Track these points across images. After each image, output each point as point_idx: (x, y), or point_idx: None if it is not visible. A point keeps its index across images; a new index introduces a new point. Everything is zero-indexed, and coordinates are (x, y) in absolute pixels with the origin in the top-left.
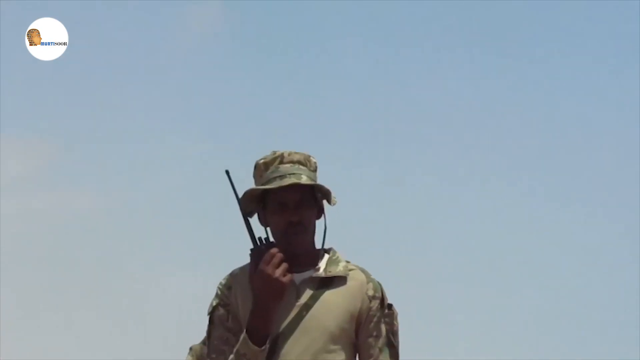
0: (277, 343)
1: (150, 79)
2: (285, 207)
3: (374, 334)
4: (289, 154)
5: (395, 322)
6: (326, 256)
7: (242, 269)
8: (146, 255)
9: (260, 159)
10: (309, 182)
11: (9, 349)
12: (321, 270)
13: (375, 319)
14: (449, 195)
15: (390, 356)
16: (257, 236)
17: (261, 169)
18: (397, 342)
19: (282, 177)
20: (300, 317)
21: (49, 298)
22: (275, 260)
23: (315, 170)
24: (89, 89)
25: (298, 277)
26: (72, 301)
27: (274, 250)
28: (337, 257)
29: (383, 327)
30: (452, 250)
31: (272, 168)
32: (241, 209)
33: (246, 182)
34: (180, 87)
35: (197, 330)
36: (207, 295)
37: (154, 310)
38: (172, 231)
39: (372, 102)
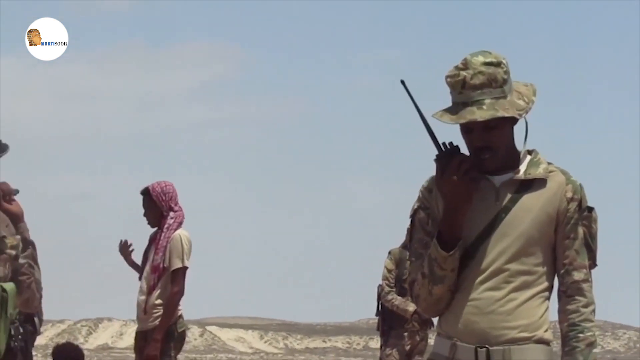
0: (475, 245)
1: None
2: (471, 131)
3: (571, 235)
4: (472, 77)
5: (593, 225)
6: (528, 158)
7: None
8: (338, 161)
9: (447, 75)
10: (486, 116)
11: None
12: (521, 172)
13: (572, 221)
14: None
15: (588, 259)
16: (441, 142)
17: (449, 87)
18: (595, 245)
19: (464, 104)
20: (499, 219)
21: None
22: (462, 166)
23: (503, 85)
24: None
25: (498, 180)
26: (278, 204)
27: (460, 157)
28: (539, 158)
29: (580, 230)
30: None
31: (455, 92)
32: (422, 116)
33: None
34: None
35: (395, 237)
36: (400, 203)
37: (351, 214)
38: (364, 138)
39: None
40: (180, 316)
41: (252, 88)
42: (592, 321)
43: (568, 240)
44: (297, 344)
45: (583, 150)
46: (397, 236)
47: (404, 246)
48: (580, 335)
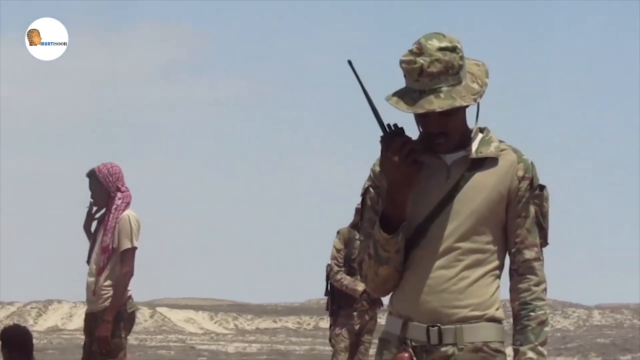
0: (426, 224)
1: None
2: (425, 116)
3: (522, 214)
4: (429, 64)
5: (545, 204)
6: (479, 136)
7: None
8: (288, 141)
9: (402, 60)
10: (444, 105)
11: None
12: (473, 151)
13: (524, 200)
14: None
15: (540, 237)
16: (385, 123)
17: (403, 72)
18: (547, 223)
19: (421, 92)
20: (450, 198)
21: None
22: (405, 149)
23: (459, 70)
24: None
25: (449, 158)
26: (235, 178)
27: (402, 138)
28: (490, 137)
29: (532, 208)
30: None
31: (410, 79)
32: (368, 97)
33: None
34: None
35: (344, 216)
36: (349, 183)
37: (300, 194)
38: (314, 118)
39: None
40: (130, 297)
41: (207, 69)
42: (543, 300)
43: (519, 219)
44: (248, 325)
45: (534, 129)
46: (346, 216)
47: (353, 226)
48: (532, 314)
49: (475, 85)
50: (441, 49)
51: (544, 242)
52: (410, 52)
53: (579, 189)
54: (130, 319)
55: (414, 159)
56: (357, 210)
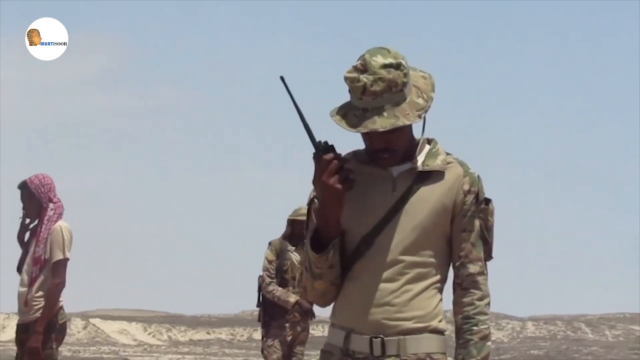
0: (371, 236)
1: None
2: (368, 133)
3: (467, 228)
4: (372, 83)
5: (490, 218)
6: (427, 148)
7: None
8: (222, 151)
9: (346, 77)
10: (387, 125)
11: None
12: (419, 163)
13: (469, 214)
14: None
15: (484, 251)
16: (317, 140)
17: (348, 87)
18: (492, 237)
19: (364, 110)
20: (396, 210)
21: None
22: (331, 167)
23: (403, 88)
24: None
25: (396, 170)
26: (168, 189)
27: (329, 156)
28: (437, 149)
29: (477, 222)
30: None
31: (354, 97)
32: (300, 113)
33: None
34: None
35: (276, 228)
36: (281, 194)
37: (233, 205)
38: (255, 128)
39: None
40: (61, 308)
41: (139, 78)
42: (486, 314)
43: (464, 233)
44: (181, 336)
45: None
46: (278, 227)
47: (285, 237)
48: (475, 328)
49: (420, 101)
50: (385, 66)
51: (489, 257)
52: (355, 68)
53: (513, 200)
54: (62, 330)
55: (343, 178)
56: (288, 221)
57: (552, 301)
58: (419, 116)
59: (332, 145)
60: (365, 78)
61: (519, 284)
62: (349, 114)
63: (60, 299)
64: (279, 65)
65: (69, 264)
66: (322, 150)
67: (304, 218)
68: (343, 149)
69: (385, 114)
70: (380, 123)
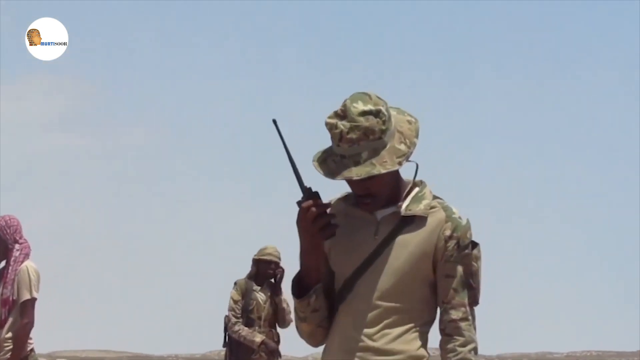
0: (352, 280)
1: None
2: (349, 181)
3: (449, 274)
4: (349, 131)
5: (474, 263)
6: (415, 191)
7: (335, 202)
8: (187, 190)
9: (326, 122)
10: (362, 174)
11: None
12: (403, 207)
13: (452, 259)
14: None
15: (468, 297)
16: (305, 186)
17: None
18: (477, 283)
19: (342, 156)
20: (376, 254)
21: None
22: (310, 214)
23: (381, 135)
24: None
25: (380, 213)
26: (133, 229)
27: (307, 203)
28: (424, 193)
29: (459, 268)
30: None
31: (333, 143)
32: (290, 159)
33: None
34: None
35: (241, 267)
36: (247, 234)
37: (198, 244)
38: (220, 169)
39: None
40: (32, 350)
41: (103, 118)
42: None
43: (447, 279)
44: None
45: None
46: (243, 267)
47: (250, 277)
48: None
49: (402, 147)
50: (364, 113)
51: (474, 302)
52: (335, 113)
53: (480, 237)
54: None
55: (321, 225)
56: (254, 261)
57: (520, 339)
58: (399, 163)
59: (316, 192)
60: (342, 125)
61: (486, 322)
62: (329, 160)
63: (31, 340)
64: (247, 106)
65: (36, 304)
66: (306, 196)
67: (269, 258)
68: (333, 192)
69: (361, 162)
70: (356, 172)
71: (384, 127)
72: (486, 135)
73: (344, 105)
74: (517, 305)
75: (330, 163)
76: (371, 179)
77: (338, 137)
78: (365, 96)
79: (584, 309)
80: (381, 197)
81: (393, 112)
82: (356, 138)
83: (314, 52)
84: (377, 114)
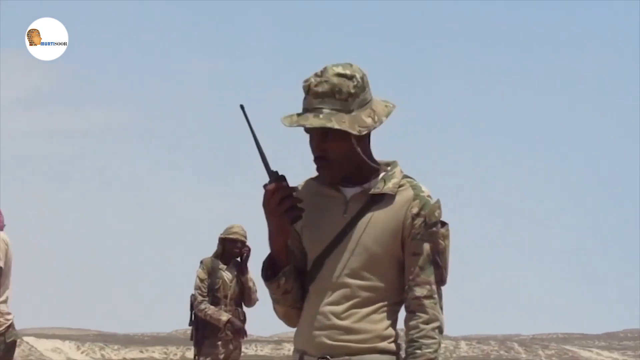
0: (321, 259)
1: None
2: (311, 140)
3: (415, 251)
4: (317, 84)
5: (442, 242)
6: (386, 171)
7: (307, 182)
8: (157, 170)
9: (304, 81)
10: (315, 124)
11: None
12: (373, 186)
13: (418, 237)
14: None
15: (435, 275)
16: (271, 170)
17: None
18: (444, 261)
19: (305, 110)
20: (344, 233)
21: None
22: (274, 197)
23: (348, 98)
24: None
25: (349, 192)
26: (100, 208)
27: (271, 186)
28: (394, 172)
29: (425, 245)
30: None
31: (304, 98)
32: (257, 144)
33: None
34: None
35: (207, 246)
36: (214, 213)
37: (165, 223)
38: (187, 148)
39: None
40: (11, 326)
41: (74, 98)
42: (433, 338)
43: (413, 257)
44: (114, 355)
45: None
46: (209, 245)
47: (216, 255)
48: (418, 351)
49: (368, 120)
50: (338, 75)
51: (441, 281)
52: (315, 74)
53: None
54: (8, 349)
55: (286, 208)
56: (220, 240)
57: (485, 321)
58: (358, 131)
59: (282, 175)
60: (313, 79)
61: (451, 303)
62: (294, 114)
63: (9, 315)
64: (211, 85)
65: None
66: (272, 179)
67: (236, 236)
68: (300, 175)
69: (321, 115)
70: (311, 121)
71: (352, 91)
72: (460, 117)
73: (325, 67)
74: (484, 288)
75: (293, 115)
76: (329, 140)
77: (307, 89)
78: (347, 64)
79: (549, 291)
80: (338, 166)
81: (376, 98)
82: (322, 92)
83: (283, 39)
84: (350, 77)
